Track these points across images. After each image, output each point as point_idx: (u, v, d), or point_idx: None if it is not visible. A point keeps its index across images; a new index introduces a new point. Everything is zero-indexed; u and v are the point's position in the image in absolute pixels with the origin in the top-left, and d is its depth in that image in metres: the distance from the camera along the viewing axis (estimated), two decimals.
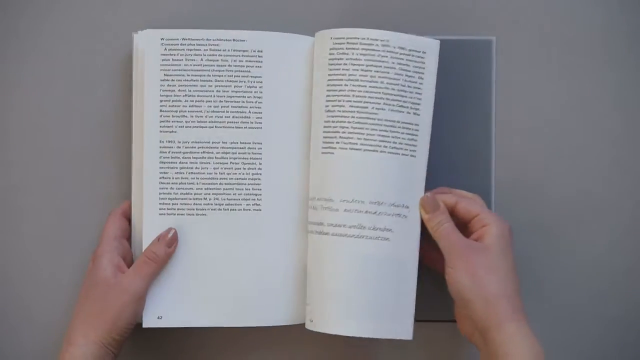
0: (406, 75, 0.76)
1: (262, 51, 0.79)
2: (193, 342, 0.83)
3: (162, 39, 0.78)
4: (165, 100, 0.78)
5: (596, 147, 0.84)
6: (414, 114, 0.77)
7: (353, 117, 0.75)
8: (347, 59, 0.76)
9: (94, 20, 0.82)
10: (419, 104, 0.77)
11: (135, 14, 0.82)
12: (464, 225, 0.76)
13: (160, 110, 0.78)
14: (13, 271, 0.82)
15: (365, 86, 0.75)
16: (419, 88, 0.77)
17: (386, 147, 0.76)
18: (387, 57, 0.75)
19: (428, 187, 0.78)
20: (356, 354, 0.83)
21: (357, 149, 0.75)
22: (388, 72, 0.75)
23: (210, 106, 0.78)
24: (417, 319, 0.77)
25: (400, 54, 0.76)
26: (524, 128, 0.84)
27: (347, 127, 0.76)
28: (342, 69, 0.76)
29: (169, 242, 0.77)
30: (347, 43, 0.76)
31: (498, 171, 0.83)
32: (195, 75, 0.78)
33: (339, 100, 0.76)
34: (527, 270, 0.84)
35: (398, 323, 0.76)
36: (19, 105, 0.82)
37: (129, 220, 0.79)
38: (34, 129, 0.82)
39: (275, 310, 0.79)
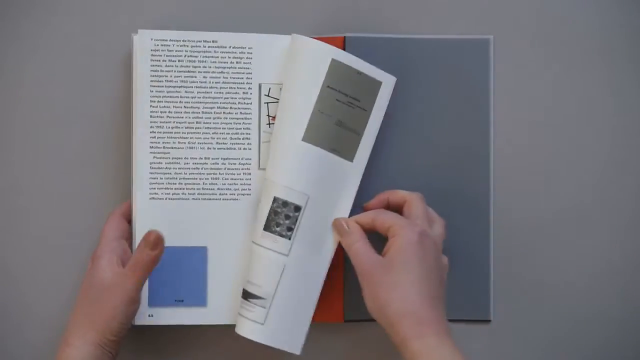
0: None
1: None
2: (193, 342, 0.83)
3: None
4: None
5: (595, 147, 0.84)
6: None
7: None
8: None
9: (94, 21, 0.83)
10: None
11: (135, 14, 0.83)
12: None
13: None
14: (14, 269, 0.83)
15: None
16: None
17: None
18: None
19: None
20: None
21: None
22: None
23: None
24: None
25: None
26: (522, 127, 0.84)
27: None
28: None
29: (153, 245, 0.75)
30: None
31: (496, 171, 0.83)
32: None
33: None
34: (527, 271, 0.84)
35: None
36: (20, 105, 0.83)
37: (129, 221, 0.80)
38: (34, 129, 0.83)
39: None
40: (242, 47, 0.80)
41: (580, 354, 0.84)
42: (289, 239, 0.76)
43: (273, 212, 0.76)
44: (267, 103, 0.80)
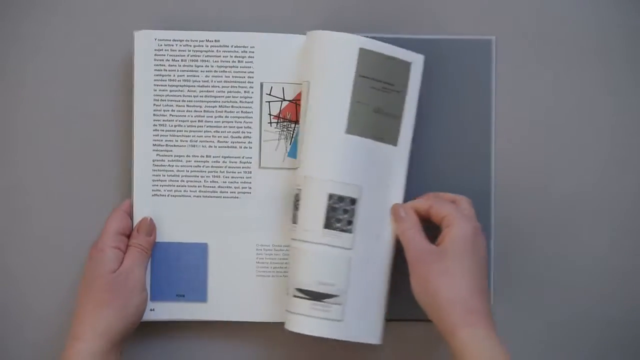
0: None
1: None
2: (193, 341, 0.83)
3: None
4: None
5: (596, 147, 0.84)
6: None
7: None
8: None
9: (95, 21, 0.83)
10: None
11: (135, 14, 0.83)
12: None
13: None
14: (14, 269, 0.82)
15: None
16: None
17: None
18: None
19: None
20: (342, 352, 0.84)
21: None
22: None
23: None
24: (405, 318, 0.79)
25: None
26: (523, 127, 0.84)
27: None
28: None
29: (148, 231, 0.79)
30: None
31: (498, 171, 0.83)
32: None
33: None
34: (527, 270, 0.84)
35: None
36: (21, 105, 0.83)
37: (131, 218, 0.80)
38: (35, 129, 0.83)
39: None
40: (244, 47, 0.80)
41: (580, 354, 0.84)
42: (351, 232, 0.76)
43: (331, 209, 0.76)
44: (269, 102, 0.81)
